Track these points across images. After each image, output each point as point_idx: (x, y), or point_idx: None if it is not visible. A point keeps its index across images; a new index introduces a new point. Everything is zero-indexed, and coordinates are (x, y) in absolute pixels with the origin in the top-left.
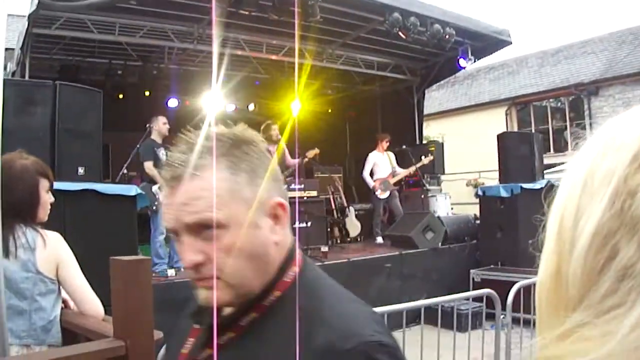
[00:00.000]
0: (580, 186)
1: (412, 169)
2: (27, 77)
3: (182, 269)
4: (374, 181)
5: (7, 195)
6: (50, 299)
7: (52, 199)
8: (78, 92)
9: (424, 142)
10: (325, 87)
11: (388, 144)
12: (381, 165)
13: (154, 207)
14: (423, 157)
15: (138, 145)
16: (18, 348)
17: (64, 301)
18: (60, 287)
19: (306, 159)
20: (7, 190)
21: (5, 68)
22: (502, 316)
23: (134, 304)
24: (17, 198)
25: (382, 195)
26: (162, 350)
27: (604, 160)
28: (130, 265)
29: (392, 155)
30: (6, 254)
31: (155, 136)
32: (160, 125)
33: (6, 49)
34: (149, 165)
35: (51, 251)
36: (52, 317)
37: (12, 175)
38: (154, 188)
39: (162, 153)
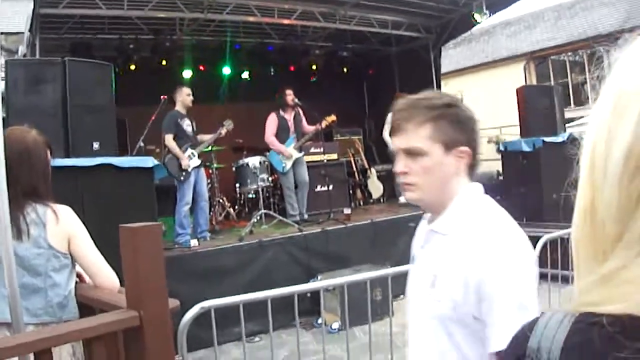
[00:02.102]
0: (610, 108)
1: None
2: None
3: (206, 239)
4: None
5: (25, 173)
6: (64, 274)
7: None
8: (88, 67)
9: None
10: (340, 48)
11: None
12: None
13: (182, 178)
14: None
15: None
16: (34, 327)
17: (79, 275)
18: (74, 261)
19: (324, 125)
20: (24, 167)
21: (16, 51)
22: None
23: (146, 273)
24: (36, 174)
25: None
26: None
27: (633, 78)
28: (139, 233)
29: None
30: (19, 234)
31: (179, 107)
32: (184, 97)
33: (15, 33)
34: (168, 138)
35: (62, 225)
36: (67, 292)
37: (27, 151)
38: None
39: (186, 124)
